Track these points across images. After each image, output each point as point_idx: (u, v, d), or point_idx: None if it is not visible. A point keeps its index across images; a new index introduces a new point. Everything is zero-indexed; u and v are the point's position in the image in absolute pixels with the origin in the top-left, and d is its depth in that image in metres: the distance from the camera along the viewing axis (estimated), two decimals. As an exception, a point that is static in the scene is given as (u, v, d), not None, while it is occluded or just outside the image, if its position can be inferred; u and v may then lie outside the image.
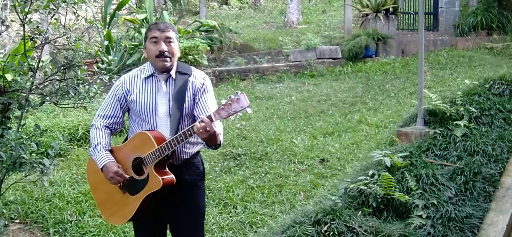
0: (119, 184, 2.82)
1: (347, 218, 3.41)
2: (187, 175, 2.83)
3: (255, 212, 4.52)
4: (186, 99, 2.79)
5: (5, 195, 4.57)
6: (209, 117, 2.54)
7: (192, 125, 2.59)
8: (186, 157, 2.84)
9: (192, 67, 2.91)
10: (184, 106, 2.78)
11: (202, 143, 2.86)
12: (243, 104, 2.50)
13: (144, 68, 2.86)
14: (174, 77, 2.81)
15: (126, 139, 2.97)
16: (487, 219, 3.76)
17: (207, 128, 2.51)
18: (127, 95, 2.82)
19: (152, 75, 2.82)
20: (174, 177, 2.74)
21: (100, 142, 2.84)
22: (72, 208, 4.62)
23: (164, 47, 2.74)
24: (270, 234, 3.67)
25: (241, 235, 4.20)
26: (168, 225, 2.97)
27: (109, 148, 2.87)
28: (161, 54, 2.74)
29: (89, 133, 6.28)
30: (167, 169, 2.75)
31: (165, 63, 2.75)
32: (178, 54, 2.84)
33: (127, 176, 2.77)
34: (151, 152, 2.68)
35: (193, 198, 2.88)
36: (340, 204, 3.66)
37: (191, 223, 2.88)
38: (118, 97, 2.85)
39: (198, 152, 2.93)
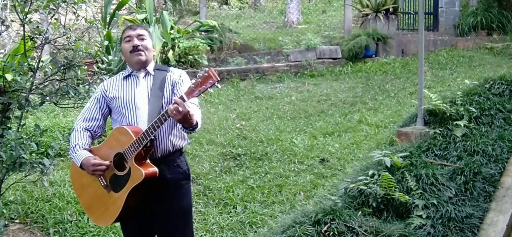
0: (102, 182, 2.81)
1: (347, 218, 3.41)
2: (168, 174, 2.83)
3: (255, 212, 4.52)
4: (165, 90, 2.87)
5: (5, 195, 4.57)
6: (181, 97, 2.57)
7: (165, 110, 2.63)
8: (170, 148, 2.84)
9: (171, 67, 3.02)
10: (163, 97, 2.84)
11: (187, 140, 2.96)
12: (212, 80, 2.53)
13: (122, 73, 2.99)
14: (152, 73, 2.92)
15: None
16: (487, 219, 3.76)
17: (180, 109, 2.53)
18: (106, 94, 2.91)
19: (130, 74, 2.94)
20: (156, 169, 2.74)
21: (77, 143, 2.87)
22: (72, 208, 4.62)
23: (137, 42, 2.88)
24: (270, 234, 3.67)
25: (241, 235, 4.20)
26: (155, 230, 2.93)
27: (88, 148, 2.89)
28: (135, 49, 2.87)
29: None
30: (148, 161, 2.75)
31: (140, 56, 2.88)
32: (153, 50, 2.96)
33: (107, 162, 2.77)
34: (130, 145, 2.69)
35: (177, 198, 2.86)
36: (340, 204, 3.66)
37: (177, 223, 2.87)
38: (97, 99, 2.94)
39: (182, 152, 2.95)
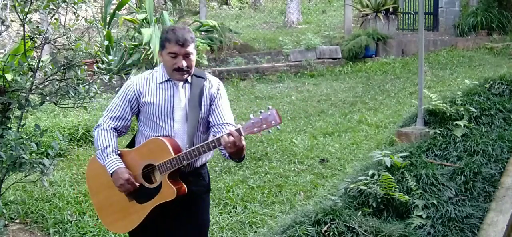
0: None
1: (347, 218, 3.42)
2: (194, 186, 2.71)
3: (255, 212, 4.52)
4: (203, 104, 2.70)
5: (5, 195, 4.57)
6: (238, 130, 2.44)
7: (218, 137, 2.49)
8: (197, 165, 2.75)
9: (206, 72, 2.84)
10: (201, 112, 2.69)
11: (212, 154, 2.80)
12: (275, 121, 2.41)
13: (155, 72, 2.75)
14: (190, 81, 2.72)
15: (131, 142, 2.85)
16: (487, 219, 3.77)
17: (237, 143, 2.42)
18: (139, 97, 2.70)
19: (168, 80, 2.71)
20: (186, 187, 2.63)
21: (109, 145, 2.68)
22: (72, 208, 4.62)
23: (183, 63, 2.63)
24: (270, 234, 3.67)
25: (241, 235, 4.20)
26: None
27: (119, 152, 2.71)
28: (180, 70, 2.64)
29: (89, 133, 6.37)
30: (178, 179, 2.64)
31: (183, 76, 2.67)
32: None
33: (137, 184, 2.65)
34: (167, 161, 2.56)
35: (197, 210, 2.77)
36: (340, 204, 3.66)
37: (195, 234, 2.77)
38: (129, 99, 2.71)
39: (205, 163, 2.84)
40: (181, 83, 2.70)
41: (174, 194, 2.57)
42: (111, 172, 2.64)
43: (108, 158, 2.66)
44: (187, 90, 2.71)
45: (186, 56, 2.63)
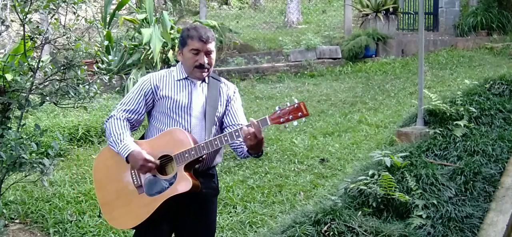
0: (136, 181, 2.61)
1: (347, 218, 3.41)
2: (203, 187, 2.66)
3: (255, 212, 4.52)
4: (219, 104, 2.74)
5: (5, 195, 4.57)
6: (263, 120, 2.45)
7: (240, 127, 2.49)
8: (209, 165, 2.74)
9: (222, 78, 2.87)
10: (217, 111, 2.72)
11: (222, 156, 2.80)
12: (302, 113, 2.41)
13: (172, 70, 2.76)
14: (207, 81, 2.75)
15: (141, 138, 2.81)
16: (487, 219, 3.77)
17: (257, 135, 2.42)
18: (156, 91, 2.68)
19: (186, 78, 2.73)
20: (199, 182, 2.60)
21: (123, 132, 2.62)
22: (72, 208, 4.62)
23: (205, 59, 2.66)
24: (270, 234, 3.67)
25: (241, 235, 4.20)
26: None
27: (133, 140, 2.65)
28: (201, 66, 2.66)
29: (89, 133, 6.37)
30: (192, 173, 2.60)
31: (204, 73, 2.70)
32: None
33: (158, 161, 2.56)
34: (186, 150, 2.53)
35: (206, 213, 2.76)
36: (340, 204, 3.66)
37: (202, 235, 2.76)
38: (144, 92, 2.69)
39: (216, 165, 2.83)
40: (199, 81, 2.73)
41: (189, 185, 2.51)
42: (126, 155, 2.57)
43: (121, 143, 2.60)
44: (204, 89, 2.73)
45: (208, 53, 2.67)
